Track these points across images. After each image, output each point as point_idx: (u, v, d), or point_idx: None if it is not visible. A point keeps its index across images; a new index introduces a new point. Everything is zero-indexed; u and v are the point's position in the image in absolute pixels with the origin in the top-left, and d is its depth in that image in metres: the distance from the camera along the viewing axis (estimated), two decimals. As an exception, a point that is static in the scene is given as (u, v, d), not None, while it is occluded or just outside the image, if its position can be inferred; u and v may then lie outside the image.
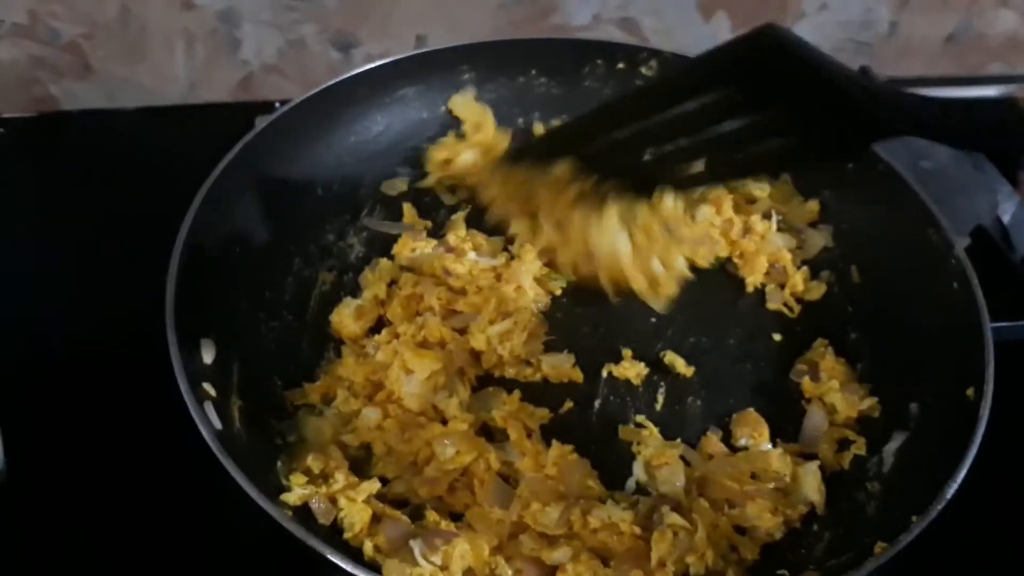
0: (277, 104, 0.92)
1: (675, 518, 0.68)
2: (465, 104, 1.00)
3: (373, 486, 0.69)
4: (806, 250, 0.93)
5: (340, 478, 0.69)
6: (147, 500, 0.73)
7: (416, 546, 0.64)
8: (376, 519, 0.68)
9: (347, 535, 0.66)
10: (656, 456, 0.75)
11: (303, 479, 0.69)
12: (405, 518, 0.68)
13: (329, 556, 0.59)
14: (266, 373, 0.78)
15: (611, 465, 0.75)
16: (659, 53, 1.00)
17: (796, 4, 1.17)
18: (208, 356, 0.73)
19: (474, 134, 0.98)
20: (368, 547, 0.65)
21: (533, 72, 1.02)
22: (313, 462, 0.71)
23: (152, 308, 0.70)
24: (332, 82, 0.93)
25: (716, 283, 0.90)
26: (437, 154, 0.97)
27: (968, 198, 0.98)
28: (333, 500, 0.68)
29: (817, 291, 0.90)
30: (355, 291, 0.86)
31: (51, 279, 0.90)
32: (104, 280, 0.89)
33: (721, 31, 1.18)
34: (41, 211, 0.98)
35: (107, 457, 0.75)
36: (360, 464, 0.73)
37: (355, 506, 0.67)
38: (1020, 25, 1.23)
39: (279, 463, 0.71)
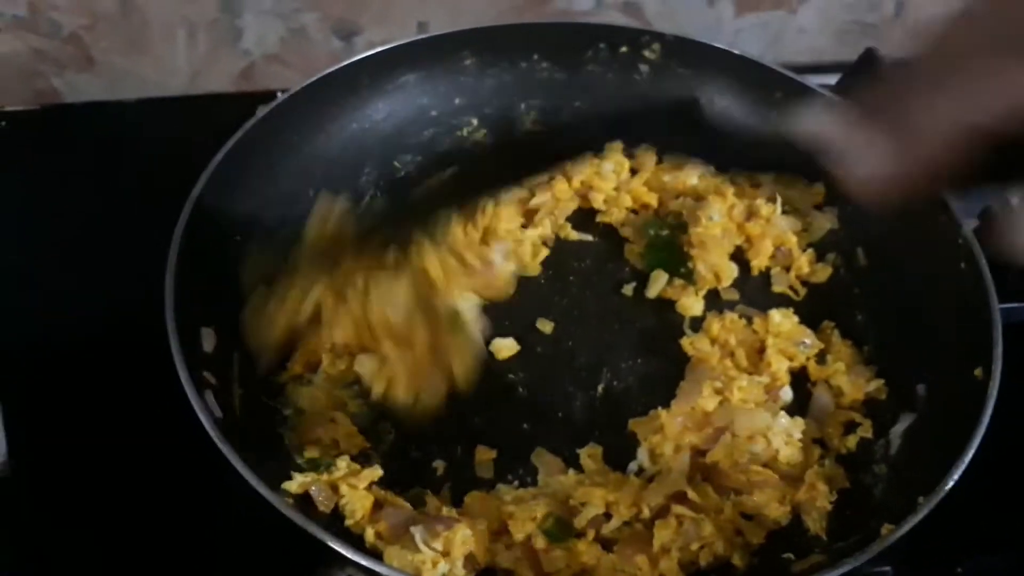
0: (279, 93, 0.91)
1: (680, 508, 0.68)
2: None
3: (375, 473, 0.69)
4: (812, 233, 0.92)
5: (342, 465, 0.69)
6: (150, 489, 0.73)
7: (417, 532, 0.63)
8: (378, 506, 0.67)
9: (348, 522, 0.66)
10: (662, 443, 0.74)
11: (315, 452, 0.69)
12: (407, 504, 0.68)
13: (330, 543, 0.59)
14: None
15: (614, 447, 0.75)
16: (662, 36, 0.98)
17: (801, -14, 1.16)
18: (208, 345, 0.73)
19: None
20: (370, 534, 0.65)
21: (535, 57, 1.01)
22: (323, 432, 0.71)
23: (153, 298, 0.70)
24: (332, 69, 0.93)
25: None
26: None
27: (976, 179, 0.97)
28: (334, 487, 0.68)
29: (823, 273, 0.89)
30: (356, 279, 0.86)
31: (53, 270, 0.90)
32: (106, 271, 0.88)
33: (725, 14, 1.17)
34: (43, 203, 0.98)
35: (109, 447, 0.75)
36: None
37: (357, 493, 0.67)
38: (1029, 4, 1.21)
39: (286, 441, 0.71)
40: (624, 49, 1.00)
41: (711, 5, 1.16)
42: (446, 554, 0.64)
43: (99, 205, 0.96)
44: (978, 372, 0.70)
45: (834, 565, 0.61)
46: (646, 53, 0.99)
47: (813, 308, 0.86)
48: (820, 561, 0.64)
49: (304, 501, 0.66)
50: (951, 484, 0.62)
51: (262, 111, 0.88)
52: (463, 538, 0.64)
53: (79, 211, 0.96)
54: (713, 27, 1.18)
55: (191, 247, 0.75)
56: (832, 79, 1.01)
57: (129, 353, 0.79)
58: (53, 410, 0.78)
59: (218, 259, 0.79)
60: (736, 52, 0.97)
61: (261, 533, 0.67)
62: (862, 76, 0.98)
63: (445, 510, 0.68)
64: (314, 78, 0.92)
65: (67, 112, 1.12)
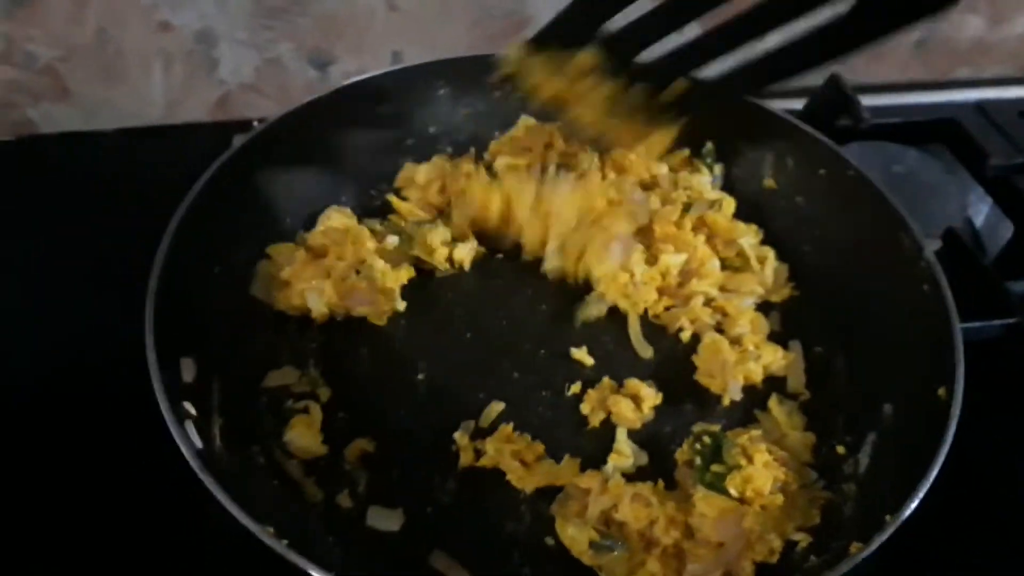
0: (255, 122, 0.92)
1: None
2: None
3: None
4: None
5: None
6: (132, 521, 0.73)
7: None
8: None
9: None
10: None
11: None
12: None
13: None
14: (247, 390, 0.79)
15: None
16: (630, 64, 1.00)
17: (766, 13, 1.18)
18: (188, 375, 0.73)
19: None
20: None
21: (508, 86, 1.02)
22: None
23: (133, 329, 0.70)
24: (308, 99, 0.94)
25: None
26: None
27: (939, 201, 0.99)
28: None
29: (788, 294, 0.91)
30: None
31: (31, 302, 0.91)
32: (84, 302, 0.89)
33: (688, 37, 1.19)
34: (19, 235, 0.98)
35: (90, 479, 0.75)
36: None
37: None
38: (986, 30, 1.25)
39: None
40: (594, 77, 1.01)
41: (679, 30, 1.18)
42: None
43: (77, 236, 0.97)
44: (942, 392, 0.71)
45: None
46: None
47: (779, 330, 0.88)
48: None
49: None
50: (916, 502, 0.64)
51: (239, 140, 0.89)
52: None
53: (57, 243, 0.96)
54: (681, 53, 1.20)
55: (171, 277, 0.75)
56: (798, 104, 1.03)
57: (108, 385, 0.79)
58: (30, 443, 0.78)
59: (197, 288, 0.80)
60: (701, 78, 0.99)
61: (246, 565, 0.67)
62: (827, 101, 1.01)
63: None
64: (290, 108, 0.93)
65: (43, 143, 1.12)
